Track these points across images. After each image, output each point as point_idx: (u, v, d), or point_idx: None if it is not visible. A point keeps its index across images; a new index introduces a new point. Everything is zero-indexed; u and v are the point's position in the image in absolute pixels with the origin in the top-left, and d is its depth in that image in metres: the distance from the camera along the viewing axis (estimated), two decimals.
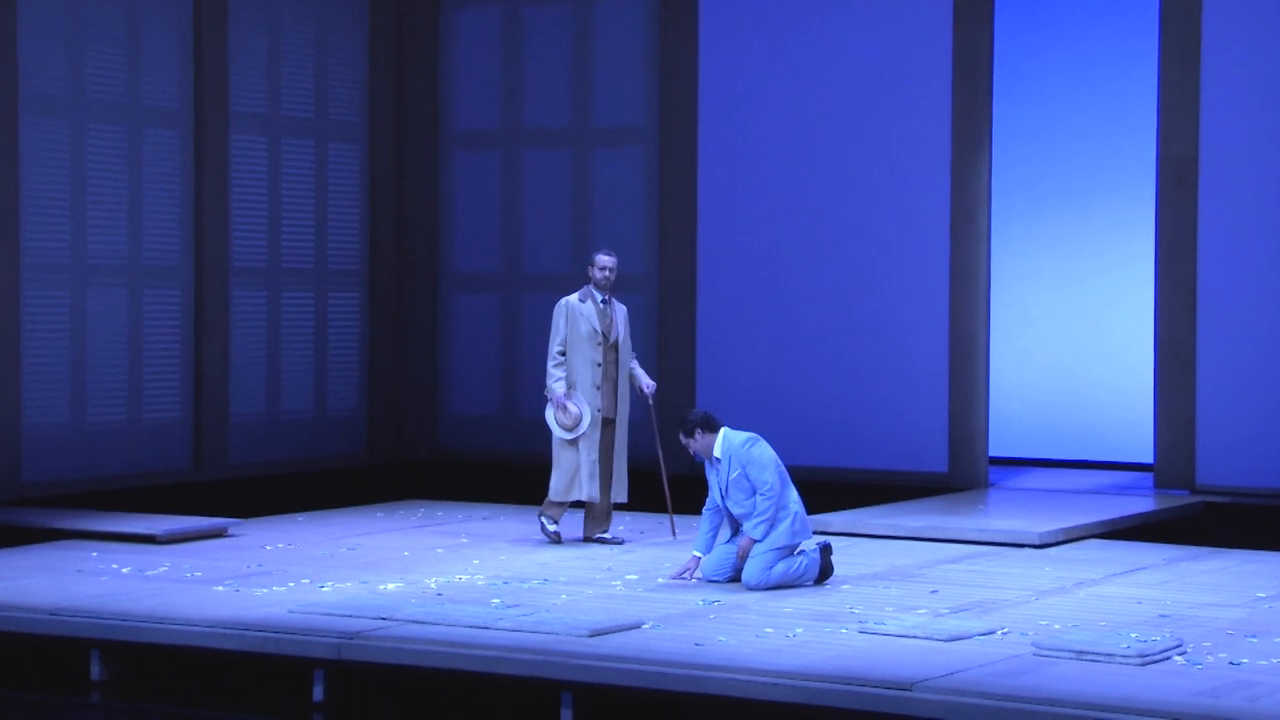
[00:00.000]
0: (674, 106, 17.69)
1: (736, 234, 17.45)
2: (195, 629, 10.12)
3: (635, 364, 13.38)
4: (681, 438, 11.50)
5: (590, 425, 13.08)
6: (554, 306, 13.32)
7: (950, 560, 12.51)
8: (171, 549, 12.95)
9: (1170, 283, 15.97)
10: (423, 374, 18.81)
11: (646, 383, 13.30)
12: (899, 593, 11.19)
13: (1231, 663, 9.05)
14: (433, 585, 11.39)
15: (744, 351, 17.41)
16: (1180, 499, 15.49)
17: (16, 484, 15.47)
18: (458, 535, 13.74)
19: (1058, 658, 9.13)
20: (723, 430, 11.41)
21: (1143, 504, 15.14)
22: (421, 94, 18.74)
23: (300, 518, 14.67)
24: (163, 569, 12.04)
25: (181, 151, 16.83)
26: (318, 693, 9.75)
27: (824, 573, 11.43)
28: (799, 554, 11.32)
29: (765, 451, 11.30)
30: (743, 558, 11.26)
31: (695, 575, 11.47)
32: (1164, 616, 10.33)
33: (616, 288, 13.32)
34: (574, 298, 13.25)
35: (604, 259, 13.22)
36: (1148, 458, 16.42)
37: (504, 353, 18.53)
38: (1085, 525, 13.78)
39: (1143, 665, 8.97)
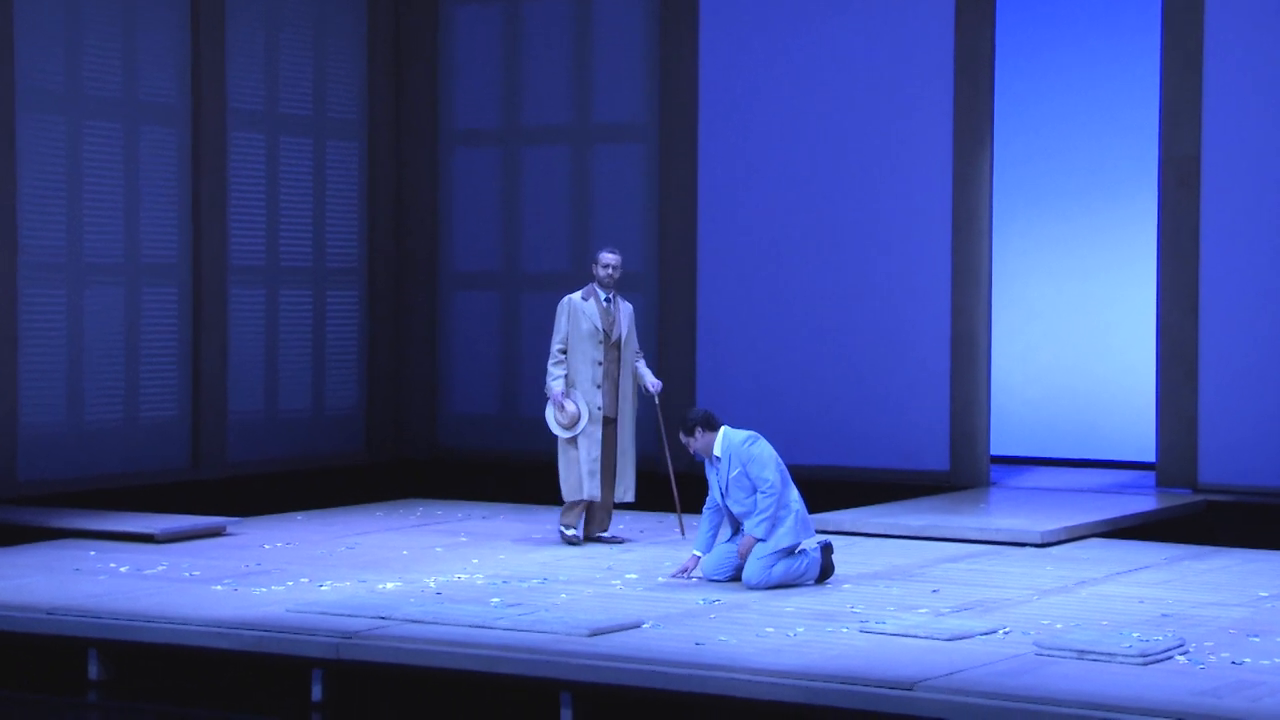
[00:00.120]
0: (674, 105, 17.65)
1: (737, 233, 17.42)
2: (193, 628, 10.09)
3: (641, 363, 13.33)
4: (681, 436, 11.49)
5: (589, 423, 13.05)
6: (555, 305, 13.29)
7: (951, 559, 12.49)
8: (169, 548, 12.93)
9: (1172, 282, 15.94)
10: (422, 373, 18.77)
11: (651, 382, 13.26)
12: (900, 592, 11.16)
13: (1234, 662, 9.03)
14: (432, 584, 11.36)
15: (744, 350, 17.38)
16: (1182, 498, 15.46)
17: (13, 483, 15.44)
18: (457, 534, 13.72)
19: (1059, 657, 9.11)
20: (723, 429, 11.39)
21: (1145, 503, 15.12)
22: (421, 91, 18.70)
23: (299, 517, 14.65)
24: (161, 568, 12.02)
25: (179, 149, 16.79)
26: (316, 692, 9.73)
27: (825, 572, 11.41)
28: (800, 553, 11.29)
29: (765, 449, 11.28)
30: (744, 557, 11.23)
31: (695, 574, 11.44)
32: (1166, 616, 10.30)
33: (617, 286, 13.28)
34: (577, 296, 13.22)
35: (608, 257, 13.19)
36: (1150, 456, 16.40)
37: (503, 351, 18.50)
38: (1087, 524, 13.76)
39: (1145, 665, 8.94)
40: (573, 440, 13.09)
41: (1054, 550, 12.97)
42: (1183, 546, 13.13)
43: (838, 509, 14.09)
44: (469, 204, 18.66)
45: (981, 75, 16.47)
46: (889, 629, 9.79)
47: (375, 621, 10.01)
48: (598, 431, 13.08)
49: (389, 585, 11.31)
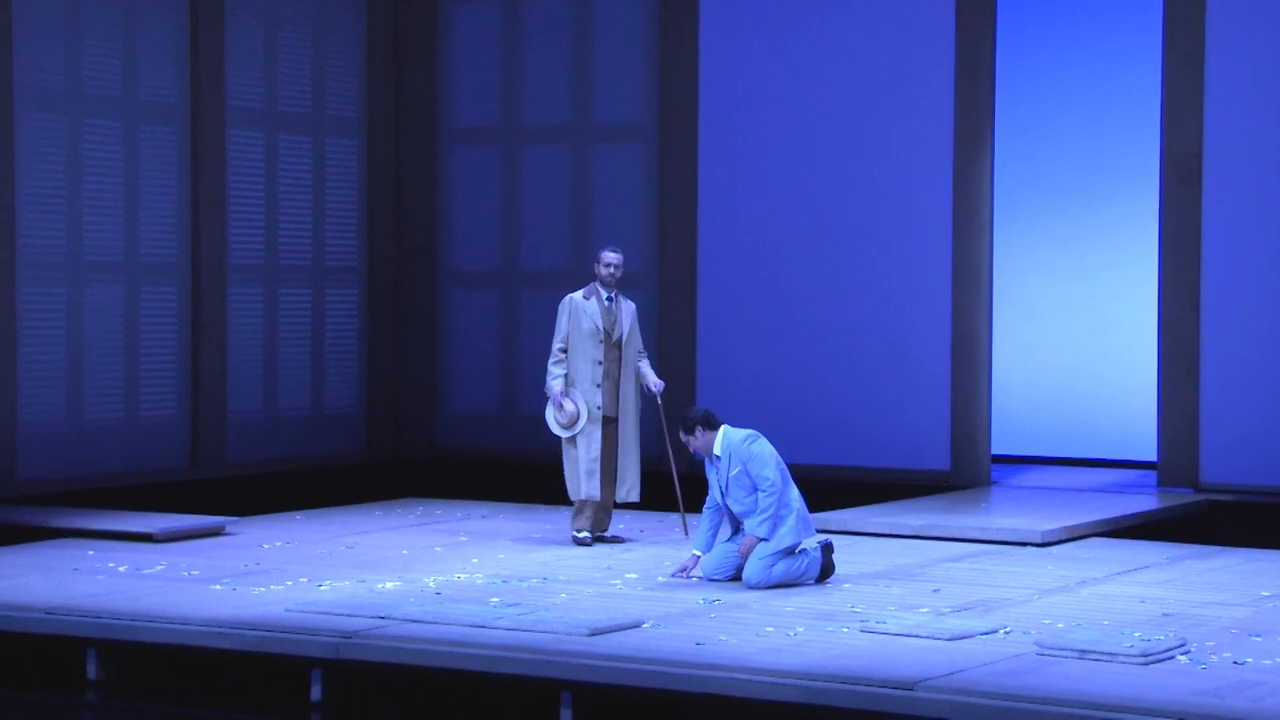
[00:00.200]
0: (674, 104, 17.63)
1: (737, 232, 17.40)
2: (192, 628, 10.07)
3: (644, 363, 13.30)
4: (681, 435, 11.48)
5: (588, 423, 13.03)
6: (555, 303, 13.27)
7: (952, 559, 12.47)
8: (168, 547, 12.91)
9: (1174, 280, 15.92)
10: (421, 371, 18.75)
11: (654, 382, 13.24)
12: (901, 591, 11.15)
13: (1235, 662, 9.02)
14: (431, 584, 11.34)
15: (744, 350, 17.36)
16: (1184, 497, 15.44)
17: (12, 482, 15.42)
18: (456, 534, 13.70)
19: (1060, 657, 9.09)
20: (723, 428, 11.38)
21: (1146, 502, 15.11)
22: (420, 89, 18.68)
23: (298, 516, 14.64)
24: (159, 568, 12.00)
25: (178, 147, 16.77)
26: (316, 692, 9.71)
27: (825, 571, 11.39)
28: (800, 552, 11.28)
29: (765, 448, 11.27)
30: (744, 556, 11.22)
31: (695, 574, 11.42)
32: (1167, 615, 10.29)
33: (619, 285, 13.26)
34: (578, 295, 13.21)
35: (610, 255, 13.18)
36: (1151, 455, 16.38)
37: (503, 350, 18.48)
38: (1088, 523, 13.75)
39: (1146, 664, 8.93)
40: (573, 440, 13.07)
41: (1055, 550, 12.95)
42: (1184, 546, 13.13)
43: (838, 508, 14.08)
44: (468, 202, 18.64)
45: (982, 74, 16.45)
46: (890, 629, 9.77)
47: (375, 621, 10.00)
48: (597, 431, 13.06)
49: (388, 585, 11.29)
